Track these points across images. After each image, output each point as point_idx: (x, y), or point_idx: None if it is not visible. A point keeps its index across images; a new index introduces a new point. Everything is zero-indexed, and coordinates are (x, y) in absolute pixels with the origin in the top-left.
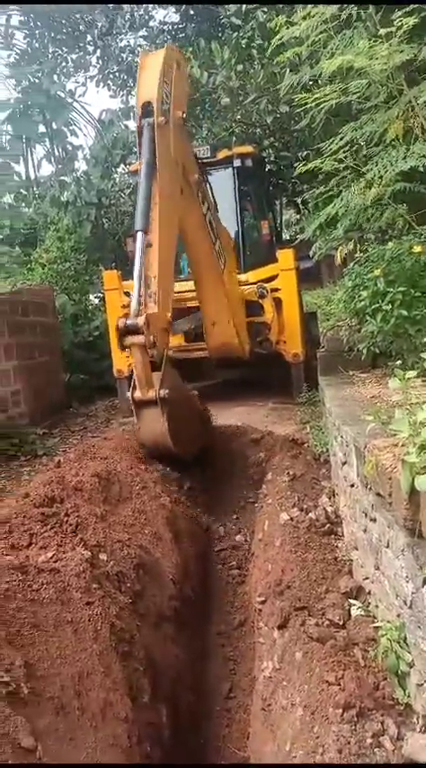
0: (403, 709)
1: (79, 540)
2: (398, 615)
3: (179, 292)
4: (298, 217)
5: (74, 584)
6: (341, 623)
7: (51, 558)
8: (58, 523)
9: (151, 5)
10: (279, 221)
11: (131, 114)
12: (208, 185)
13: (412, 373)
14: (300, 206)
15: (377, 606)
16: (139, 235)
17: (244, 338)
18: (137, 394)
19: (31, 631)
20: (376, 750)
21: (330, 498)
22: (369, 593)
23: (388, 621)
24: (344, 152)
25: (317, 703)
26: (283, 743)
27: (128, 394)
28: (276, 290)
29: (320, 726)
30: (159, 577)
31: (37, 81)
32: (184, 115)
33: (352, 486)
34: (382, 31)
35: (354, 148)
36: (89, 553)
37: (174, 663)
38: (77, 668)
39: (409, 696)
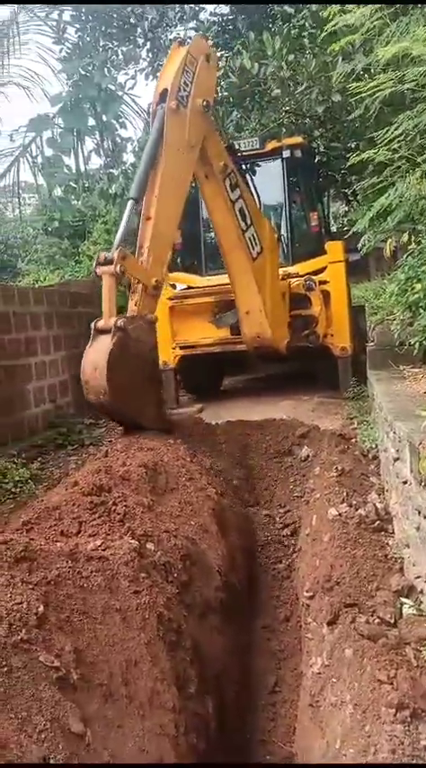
0: None
1: (127, 529)
2: None
3: (226, 285)
4: (346, 209)
5: (122, 572)
6: (392, 622)
7: (100, 545)
8: (106, 512)
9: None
10: (327, 213)
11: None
12: (244, 173)
13: None
14: (349, 198)
15: None
16: (130, 203)
17: (281, 332)
18: (100, 323)
19: (81, 618)
20: None
21: (379, 495)
22: (422, 591)
23: None
24: (399, 141)
25: (369, 702)
26: (332, 740)
27: (92, 325)
28: (324, 282)
29: (372, 725)
30: (205, 569)
31: (88, 75)
32: (207, 104)
33: (405, 482)
34: None
35: (409, 138)
36: (136, 542)
37: (220, 655)
38: (125, 656)
39: None
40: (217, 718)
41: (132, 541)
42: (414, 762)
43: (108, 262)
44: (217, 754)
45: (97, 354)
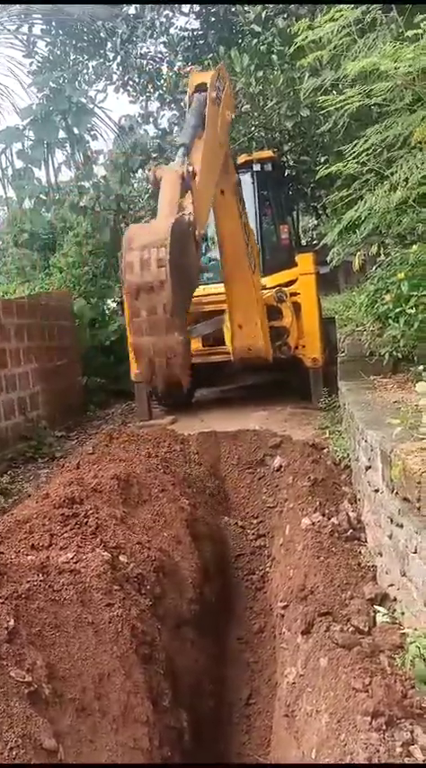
0: None
1: (99, 542)
2: None
3: (198, 296)
4: (316, 222)
5: (94, 585)
6: (366, 630)
7: (72, 558)
8: (78, 524)
9: (170, 12)
10: (297, 226)
11: (151, 119)
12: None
13: None
14: (319, 211)
15: (403, 613)
16: (182, 149)
17: (268, 344)
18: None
19: (53, 632)
20: (405, 759)
21: (352, 504)
22: (395, 599)
23: (416, 629)
24: (367, 155)
25: (344, 710)
26: (308, 750)
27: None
28: (295, 294)
29: (347, 733)
30: (179, 580)
31: (59, 87)
32: (231, 119)
33: (377, 491)
34: (409, 33)
35: (377, 152)
36: (109, 555)
37: (194, 667)
38: (98, 670)
39: None
40: (192, 730)
41: (104, 554)
42: (389, 761)
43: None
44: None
45: (153, 228)
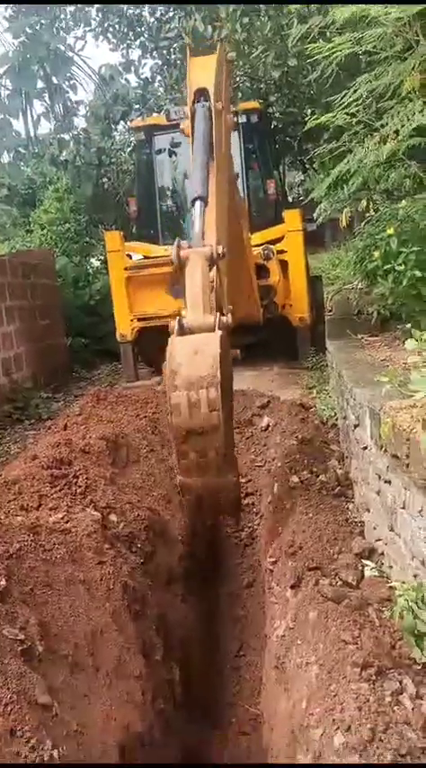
0: (420, 669)
1: (89, 502)
2: (415, 576)
3: None
4: (303, 178)
5: (85, 544)
6: (354, 584)
7: (62, 518)
8: (67, 485)
9: None
10: (283, 182)
11: (132, 68)
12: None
13: None
14: (306, 165)
15: (390, 567)
16: (198, 203)
17: (259, 306)
18: (188, 318)
19: (45, 590)
20: (395, 708)
21: (339, 461)
22: (382, 554)
23: (404, 582)
24: (356, 106)
25: (334, 662)
26: (298, 700)
27: (174, 323)
28: (282, 252)
29: (338, 684)
30: (169, 539)
31: (35, 34)
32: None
33: (365, 448)
34: None
35: (367, 102)
36: (99, 514)
37: (185, 622)
38: (91, 626)
39: None
40: (184, 683)
41: (95, 513)
42: (379, 713)
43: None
44: (184, 718)
45: (200, 370)
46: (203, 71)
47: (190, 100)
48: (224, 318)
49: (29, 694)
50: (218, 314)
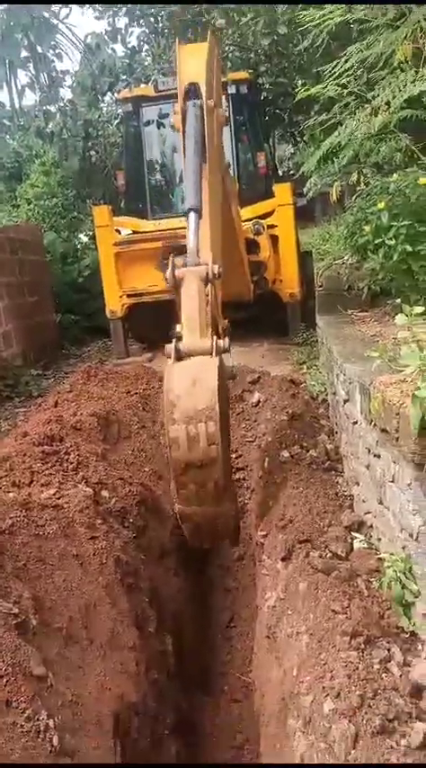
0: (408, 637)
1: (81, 478)
2: (403, 548)
3: (173, 229)
4: (293, 151)
5: (77, 519)
6: (344, 555)
7: (54, 494)
8: (59, 461)
9: None
10: (273, 155)
11: (119, 36)
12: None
13: (419, 309)
14: (296, 138)
15: (379, 539)
16: (192, 215)
17: (250, 284)
18: (185, 341)
19: (38, 565)
20: (383, 675)
21: (329, 436)
22: (371, 526)
23: (392, 554)
24: (348, 76)
25: (324, 631)
26: (289, 669)
27: (169, 347)
28: (272, 226)
29: (327, 653)
30: (160, 513)
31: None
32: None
33: (355, 423)
34: None
35: (358, 73)
36: (91, 490)
37: (177, 595)
38: (84, 600)
39: (414, 625)
40: (177, 654)
41: (87, 489)
42: (368, 680)
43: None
44: (177, 687)
45: (197, 397)
46: (194, 64)
47: (181, 96)
48: (221, 342)
49: (24, 666)
50: (215, 337)
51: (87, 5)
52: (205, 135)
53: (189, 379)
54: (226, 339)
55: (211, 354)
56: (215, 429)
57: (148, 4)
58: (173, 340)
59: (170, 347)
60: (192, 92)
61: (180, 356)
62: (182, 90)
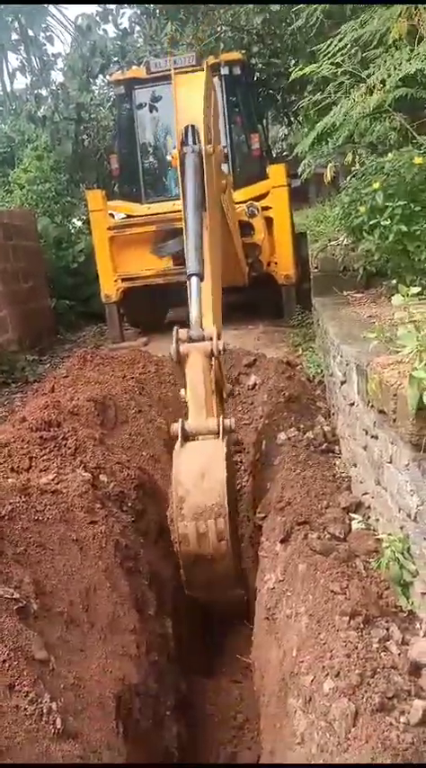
0: (406, 617)
1: (79, 463)
2: (401, 528)
3: (167, 212)
4: (286, 132)
5: (77, 504)
6: (342, 537)
7: (53, 479)
8: (57, 447)
9: None
10: (267, 136)
11: (110, 17)
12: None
13: (415, 289)
14: (290, 119)
15: (377, 520)
16: (195, 280)
17: (245, 269)
18: (191, 422)
19: (38, 550)
20: (382, 654)
21: (326, 418)
22: (369, 507)
23: (390, 534)
24: (342, 55)
25: (323, 612)
26: (289, 649)
27: (175, 425)
28: (267, 208)
29: (327, 633)
30: (159, 497)
31: None
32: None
33: (352, 404)
34: None
35: (353, 51)
36: (89, 475)
37: (177, 577)
38: (85, 584)
39: (412, 604)
40: (176, 636)
41: (85, 474)
42: (367, 659)
43: (197, 339)
44: (178, 669)
45: (203, 485)
46: (191, 104)
47: (178, 139)
48: (227, 422)
49: (26, 650)
50: (221, 417)
51: None
52: (204, 185)
53: (197, 471)
54: (232, 419)
55: (217, 435)
56: (224, 526)
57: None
58: (179, 420)
59: (176, 426)
60: (190, 133)
61: (186, 436)
62: (180, 131)
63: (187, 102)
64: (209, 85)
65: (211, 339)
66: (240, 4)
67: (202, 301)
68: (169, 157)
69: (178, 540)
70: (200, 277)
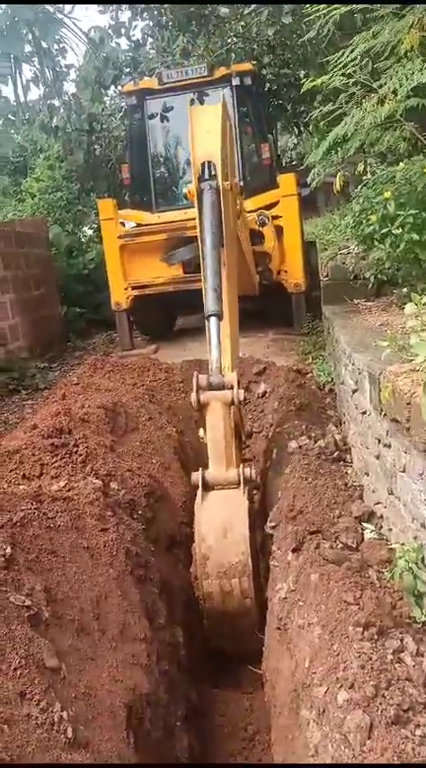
0: (420, 627)
1: (90, 470)
2: (415, 538)
3: (178, 221)
4: (296, 142)
5: (88, 511)
6: (354, 546)
7: (64, 487)
8: (68, 454)
9: None
10: (277, 146)
11: (123, 31)
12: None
13: None
14: (300, 129)
15: (390, 529)
16: (213, 320)
17: (255, 273)
18: (211, 471)
19: (49, 557)
20: (396, 666)
21: (337, 427)
22: (381, 516)
23: (404, 544)
24: (354, 66)
25: (336, 622)
26: (301, 660)
27: (195, 474)
28: (277, 217)
29: (340, 643)
30: (169, 504)
31: None
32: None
33: (364, 413)
34: None
35: (364, 62)
36: (100, 482)
37: (187, 586)
38: (95, 592)
39: None
40: (187, 645)
41: (96, 481)
42: (382, 670)
43: (217, 387)
44: (188, 679)
45: (226, 539)
46: (208, 139)
47: (195, 175)
48: (247, 471)
49: (37, 658)
50: (242, 466)
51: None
52: (222, 221)
53: (220, 527)
54: (253, 469)
55: (238, 485)
56: (248, 584)
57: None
58: (200, 469)
59: (197, 476)
60: (207, 168)
61: (206, 486)
62: (197, 167)
63: (204, 137)
64: (226, 119)
65: (231, 387)
66: (252, 17)
67: (222, 343)
68: (185, 190)
69: (203, 598)
70: (219, 317)
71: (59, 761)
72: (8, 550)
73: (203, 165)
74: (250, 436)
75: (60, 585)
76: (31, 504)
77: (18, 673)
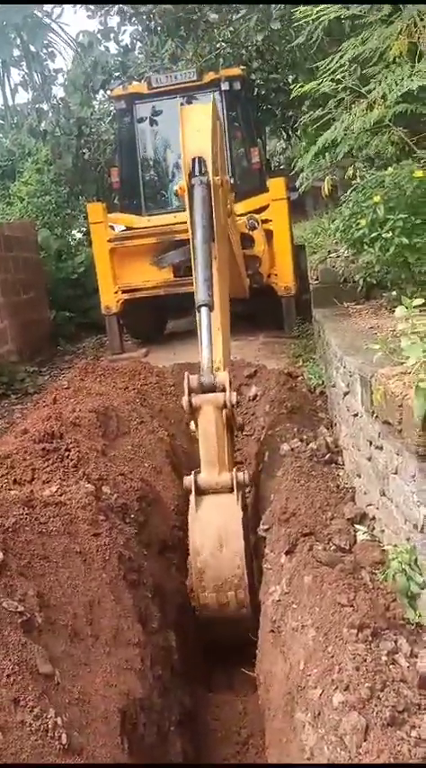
0: (414, 629)
1: (82, 474)
2: (408, 539)
3: (168, 225)
4: (284, 146)
5: (80, 516)
6: (347, 548)
7: (56, 491)
8: (60, 458)
9: None
10: (266, 150)
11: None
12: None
13: (418, 301)
14: (288, 133)
15: (382, 531)
16: (204, 311)
17: (245, 277)
18: (204, 476)
19: (42, 563)
20: (391, 667)
21: (328, 429)
22: (374, 518)
23: (396, 545)
24: (343, 71)
25: (330, 624)
26: (296, 663)
27: (188, 479)
28: (267, 221)
29: (335, 645)
30: (161, 508)
31: None
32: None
33: (356, 415)
34: None
35: (352, 68)
36: (92, 486)
37: (180, 589)
38: (88, 597)
39: (420, 616)
40: (180, 649)
41: (88, 486)
42: (376, 672)
43: (208, 389)
44: (182, 683)
45: (220, 529)
46: (199, 136)
47: (186, 171)
48: (239, 475)
49: (30, 664)
50: (234, 470)
51: (79, 5)
52: (213, 216)
53: (215, 537)
54: (246, 473)
55: (231, 489)
56: (245, 596)
57: (140, 4)
58: (192, 473)
59: (189, 480)
60: (198, 164)
61: (199, 490)
62: (188, 163)
63: (195, 134)
64: (216, 118)
65: (223, 389)
66: (240, 22)
67: (213, 338)
68: (176, 187)
69: (198, 608)
70: (210, 307)
71: None
72: (0, 556)
73: (194, 160)
74: (242, 429)
75: (53, 591)
76: (23, 509)
77: (11, 679)
